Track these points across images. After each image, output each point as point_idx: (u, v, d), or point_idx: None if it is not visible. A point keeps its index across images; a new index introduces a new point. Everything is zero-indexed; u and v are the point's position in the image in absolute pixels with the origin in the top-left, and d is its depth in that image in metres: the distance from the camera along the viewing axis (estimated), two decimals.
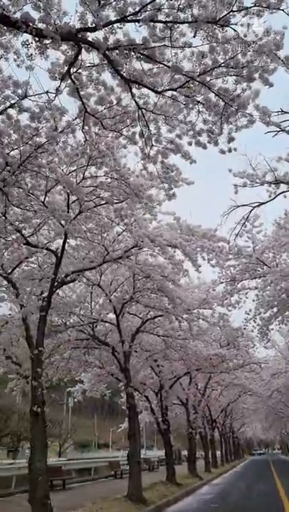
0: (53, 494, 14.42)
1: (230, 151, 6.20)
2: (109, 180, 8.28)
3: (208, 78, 5.59)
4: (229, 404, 36.75)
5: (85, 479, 22.17)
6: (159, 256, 11.99)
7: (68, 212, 8.39)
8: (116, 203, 8.93)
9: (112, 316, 14.55)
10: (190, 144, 6.70)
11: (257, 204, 9.10)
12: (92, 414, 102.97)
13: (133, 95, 5.83)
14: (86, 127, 6.41)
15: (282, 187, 8.76)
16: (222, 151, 6.21)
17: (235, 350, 18.35)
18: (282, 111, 6.76)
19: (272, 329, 14.52)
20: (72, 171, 8.41)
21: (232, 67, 5.53)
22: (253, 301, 12.95)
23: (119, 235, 10.45)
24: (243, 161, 8.51)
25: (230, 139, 6.07)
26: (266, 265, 12.34)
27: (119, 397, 21.45)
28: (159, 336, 15.59)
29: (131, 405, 13.48)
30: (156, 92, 5.75)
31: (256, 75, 5.29)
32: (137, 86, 5.65)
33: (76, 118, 6.63)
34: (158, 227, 10.37)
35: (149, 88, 5.67)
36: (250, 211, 9.28)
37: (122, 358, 13.73)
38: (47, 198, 8.54)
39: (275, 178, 8.52)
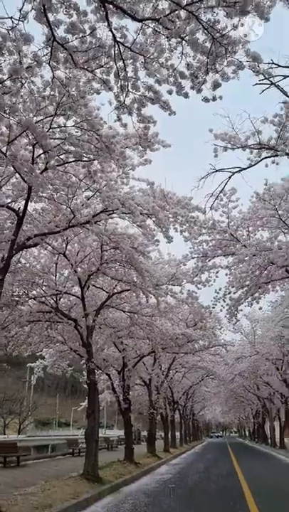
0: (6, 471, 13.96)
1: (214, 99, 5.56)
2: (79, 133, 7.51)
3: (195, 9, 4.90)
4: (192, 386, 36.99)
5: (42, 456, 21.66)
6: (129, 228, 11.38)
7: (33, 165, 7.60)
8: (86, 161, 8.19)
9: (77, 289, 13.91)
10: (170, 92, 6.03)
11: (237, 169, 8.49)
12: (55, 392, 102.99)
13: (110, 23, 5.08)
14: (54, 62, 5.63)
15: (265, 155, 8.22)
16: (206, 99, 5.56)
17: (202, 331, 18.05)
18: (273, 63, 6.16)
19: (241, 310, 14.20)
20: (39, 121, 7.61)
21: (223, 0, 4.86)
22: (226, 275, 12.51)
23: (88, 199, 9.71)
24: (226, 125, 7.90)
25: (216, 85, 5.42)
26: (240, 242, 11.88)
27: (82, 375, 20.94)
28: (124, 311, 15.03)
29: (91, 382, 12.94)
30: (136, 19, 5.02)
31: (251, 7, 4.63)
32: (114, 9, 4.90)
33: (45, 54, 5.86)
34: (130, 192, 9.67)
35: (128, 14, 4.93)
36: (230, 177, 8.70)
37: (84, 332, 13.13)
38: (9, 152, 7.72)
39: (258, 141, 7.93)
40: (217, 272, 13.66)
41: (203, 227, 11.57)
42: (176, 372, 29.43)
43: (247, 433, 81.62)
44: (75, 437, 28.37)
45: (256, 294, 13.09)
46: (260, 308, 15.31)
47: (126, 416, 18.46)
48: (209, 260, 13.09)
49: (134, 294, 14.20)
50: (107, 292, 14.12)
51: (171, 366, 24.90)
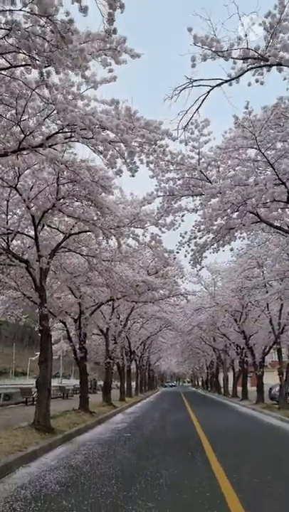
0: None
1: None
2: (29, 23, 6.08)
3: None
4: (149, 337, 37.04)
5: None
6: (89, 161, 10.14)
7: None
8: (38, 65, 6.78)
9: (31, 232, 12.68)
10: None
11: (218, 83, 7.28)
12: (11, 342, 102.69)
13: None
14: None
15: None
16: None
17: (163, 279, 17.33)
18: None
19: (206, 257, 13.42)
20: None
21: None
22: (196, 212, 11.52)
23: (44, 119, 8.32)
24: (207, 30, 6.63)
25: None
26: (210, 182, 10.88)
27: (38, 324, 20.02)
28: (82, 255, 13.95)
29: (44, 328, 12.01)
30: None
31: None
32: None
33: None
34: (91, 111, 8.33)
35: None
36: (208, 91, 7.47)
37: (37, 275, 12.05)
38: None
39: (246, 46, 6.72)
40: (183, 216, 12.72)
41: (171, 162, 10.44)
42: (135, 322, 29.10)
43: (200, 383, 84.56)
44: (29, 386, 27.91)
45: (226, 238, 12.30)
46: (232, 250, 14.58)
47: (81, 365, 17.88)
48: (175, 202, 12.08)
49: (93, 237, 13.12)
50: (63, 233, 12.95)
51: (129, 316, 24.38)
